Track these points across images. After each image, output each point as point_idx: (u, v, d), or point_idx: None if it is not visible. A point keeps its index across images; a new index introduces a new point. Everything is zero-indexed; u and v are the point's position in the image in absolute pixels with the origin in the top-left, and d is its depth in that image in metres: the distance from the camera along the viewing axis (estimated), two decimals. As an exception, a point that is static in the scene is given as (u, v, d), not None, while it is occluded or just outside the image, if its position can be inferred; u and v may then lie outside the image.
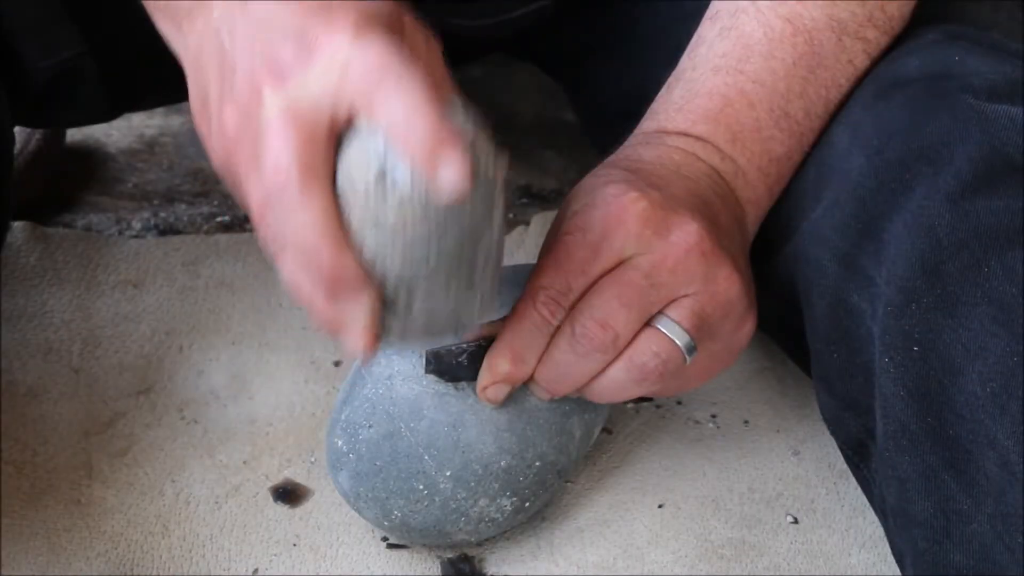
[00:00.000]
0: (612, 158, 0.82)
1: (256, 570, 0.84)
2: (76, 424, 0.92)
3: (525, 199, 1.19)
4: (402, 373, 0.80)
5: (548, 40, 1.03)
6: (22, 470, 0.89)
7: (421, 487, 0.80)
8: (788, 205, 0.84)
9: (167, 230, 1.14)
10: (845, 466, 0.84)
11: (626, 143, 0.84)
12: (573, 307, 0.75)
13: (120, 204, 1.17)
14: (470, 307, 0.71)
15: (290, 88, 0.64)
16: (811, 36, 0.82)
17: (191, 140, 1.24)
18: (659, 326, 0.76)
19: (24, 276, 1.03)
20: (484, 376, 0.78)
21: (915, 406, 0.72)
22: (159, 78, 0.93)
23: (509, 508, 0.81)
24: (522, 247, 1.07)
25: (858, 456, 0.81)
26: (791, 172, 0.84)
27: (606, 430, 0.93)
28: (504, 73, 1.28)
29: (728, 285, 0.76)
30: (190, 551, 0.85)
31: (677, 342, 0.76)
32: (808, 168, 0.83)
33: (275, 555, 0.85)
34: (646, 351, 0.75)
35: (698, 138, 0.81)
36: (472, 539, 0.83)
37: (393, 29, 0.66)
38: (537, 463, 0.81)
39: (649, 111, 0.85)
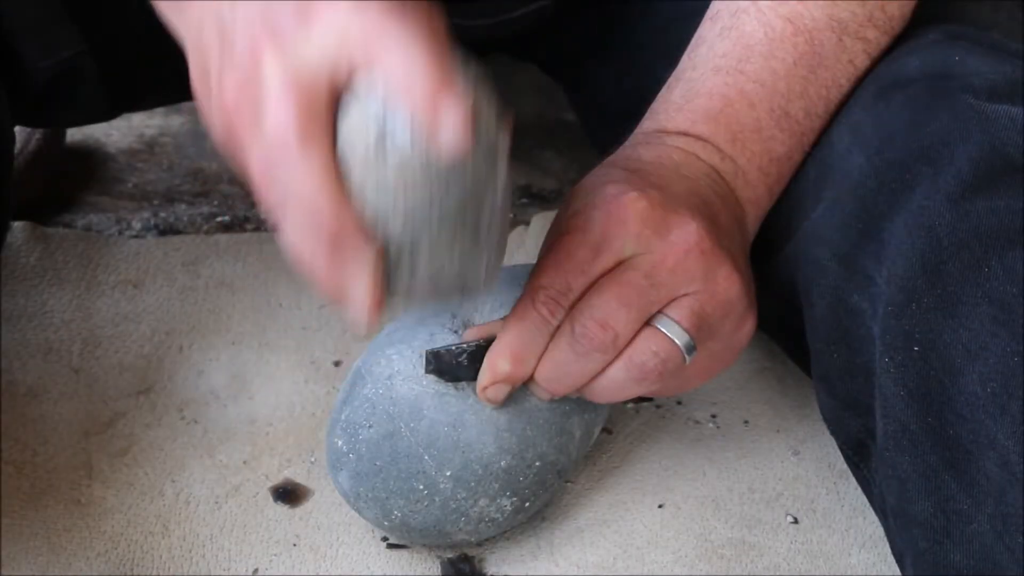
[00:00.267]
0: (612, 158, 0.82)
1: (256, 570, 0.84)
2: (76, 424, 0.92)
3: (525, 199, 1.19)
4: (402, 373, 0.80)
5: (548, 40, 1.03)
6: (22, 470, 0.89)
7: (421, 487, 0.80)
8: (788, 205, 0.84)
9: (167, 230, 1.14)
10: (845, 466, 0.84)
11: (626, 143, 0.84)
12: (573, 307, 0.75)
13: (120, 204, 1.17)
14: (476, 268, 0.70)
15: (289, 52, 0.64)
16: (812, 36, 0.82)
17: (191, 140, 1.24)
18: (659, 326, 0.76)
19: (24, 276, 1.03)
20: (484, 376, 0.77)
21: (915, 406, 0.72)
22: (159, 78, 0.93)
23: (509, 508, 0.81)
24: (522, 247, 1.07)
25: (858, 456, 0.81)
26: (791, 172, 0.84)
27: (606, 430, 0.93)
28: (504, 73, 1.28)
29: (728, 285, 0.76)
30: (190, 551, 0.85)
31: (677, 342, 0.76)
32: (808, 168, 0.83)
33: (275, 555, 0.85)
34: (646, 351, 0.75)
35: (698, 138, 0.81)
36: (472, 539, 0.83)
37: None
38: (537, 463, 0.81)
39: (649, 111, 0.85)
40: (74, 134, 1.22)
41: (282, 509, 0.88)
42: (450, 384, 0.79)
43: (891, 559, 0.79)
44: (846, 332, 0.78)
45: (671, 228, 0.75)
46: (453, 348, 0.78)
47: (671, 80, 0.85)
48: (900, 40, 0.85)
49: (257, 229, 1.13)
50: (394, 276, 0.68)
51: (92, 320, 1.00)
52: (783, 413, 0.95)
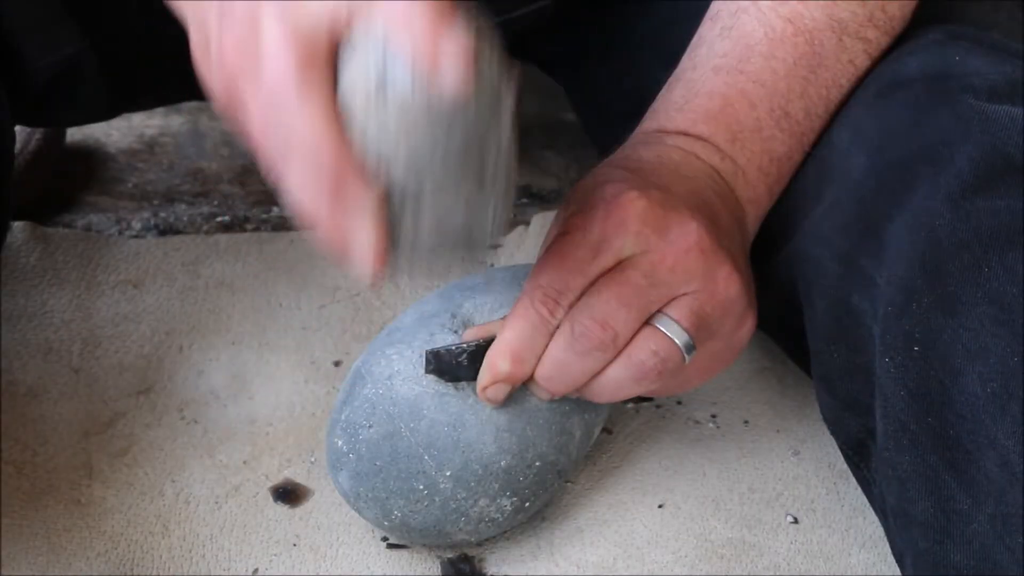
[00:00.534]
0: (612, 158, 0.82)
1: (256, 570, 0.84)
2: (76, 424, 0.92)
3: (525, 199, 1.19)
4: (402, 373, 0.80)
5: (548, 40, 1.03)
6: (22, 470, 0.89)
7: (421, 487, 0.80)
8: (788, 205, 0.84)
9: (167, 230, 1.14)
10: (845, 466, 0.84)
11: (626, 143, 0.84)
12: (572, 306, 0.75)
13: (120, 204, 1.17)
14: (482, 217, 0.68)
15: (288, 7, 0.64)
16: (812, 36, 0.82)
17: (191, 140, 1.24)
18: (658, 325, 0.76)
19: (24, 276, 1.03)
20: (484, 376, 0.78)
21: (915, 406, 0.72)
22: (159, 78, 0.93)
23: (509, 508, 0.81)
24: (522, 247, 1.07)
25: (858, 456, 0.81)
26: (791, 172, 0.84)
27: (606, 430, 0.93)
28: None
29: (728, 284, 0.76)
30: (190, 551, 0.85)
31: (676, 341, 0.76)
32: (809, 168, 0.83)
33: (275, 555, 0.85)
34: (645, 350, 0.75)
35: (698, 138, 0.81)
36: (472, 539, 0.83)
37: None
38: (537, 463, 0.81)
39: (649, 111, 0.85)
40: (74, 134, 1.22)
41: (282, 509, 0.88)
42: (450, 384, 0.79)
43: (891, 559, 0.79)
44: (846, 332, 0.78)
45: (671, 227, 0.75)
46: (453, 348, 0.78)
47: (671, 80, 0.85)
48: (901, 40, 0.85)
49: (257, 229, 1.13)
50: (398, 225, 0.67)
51: (92, 320, 1.00)
52: (783, 413, 0.95)
